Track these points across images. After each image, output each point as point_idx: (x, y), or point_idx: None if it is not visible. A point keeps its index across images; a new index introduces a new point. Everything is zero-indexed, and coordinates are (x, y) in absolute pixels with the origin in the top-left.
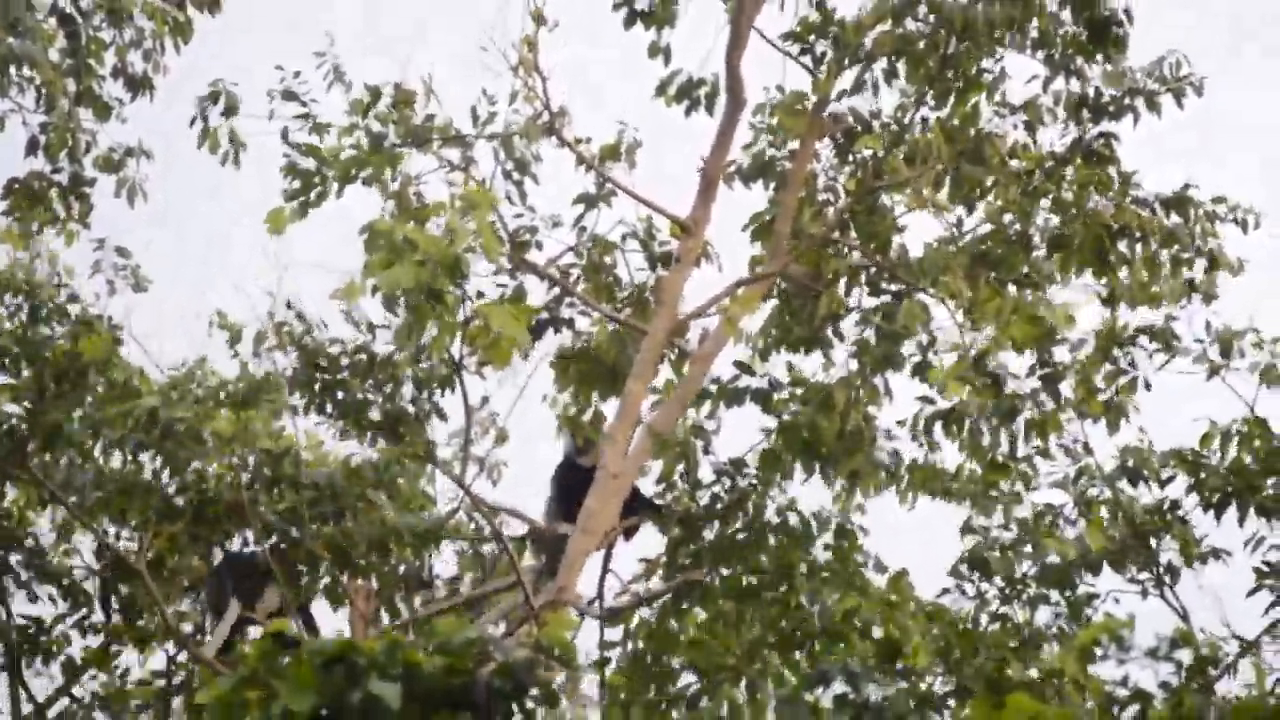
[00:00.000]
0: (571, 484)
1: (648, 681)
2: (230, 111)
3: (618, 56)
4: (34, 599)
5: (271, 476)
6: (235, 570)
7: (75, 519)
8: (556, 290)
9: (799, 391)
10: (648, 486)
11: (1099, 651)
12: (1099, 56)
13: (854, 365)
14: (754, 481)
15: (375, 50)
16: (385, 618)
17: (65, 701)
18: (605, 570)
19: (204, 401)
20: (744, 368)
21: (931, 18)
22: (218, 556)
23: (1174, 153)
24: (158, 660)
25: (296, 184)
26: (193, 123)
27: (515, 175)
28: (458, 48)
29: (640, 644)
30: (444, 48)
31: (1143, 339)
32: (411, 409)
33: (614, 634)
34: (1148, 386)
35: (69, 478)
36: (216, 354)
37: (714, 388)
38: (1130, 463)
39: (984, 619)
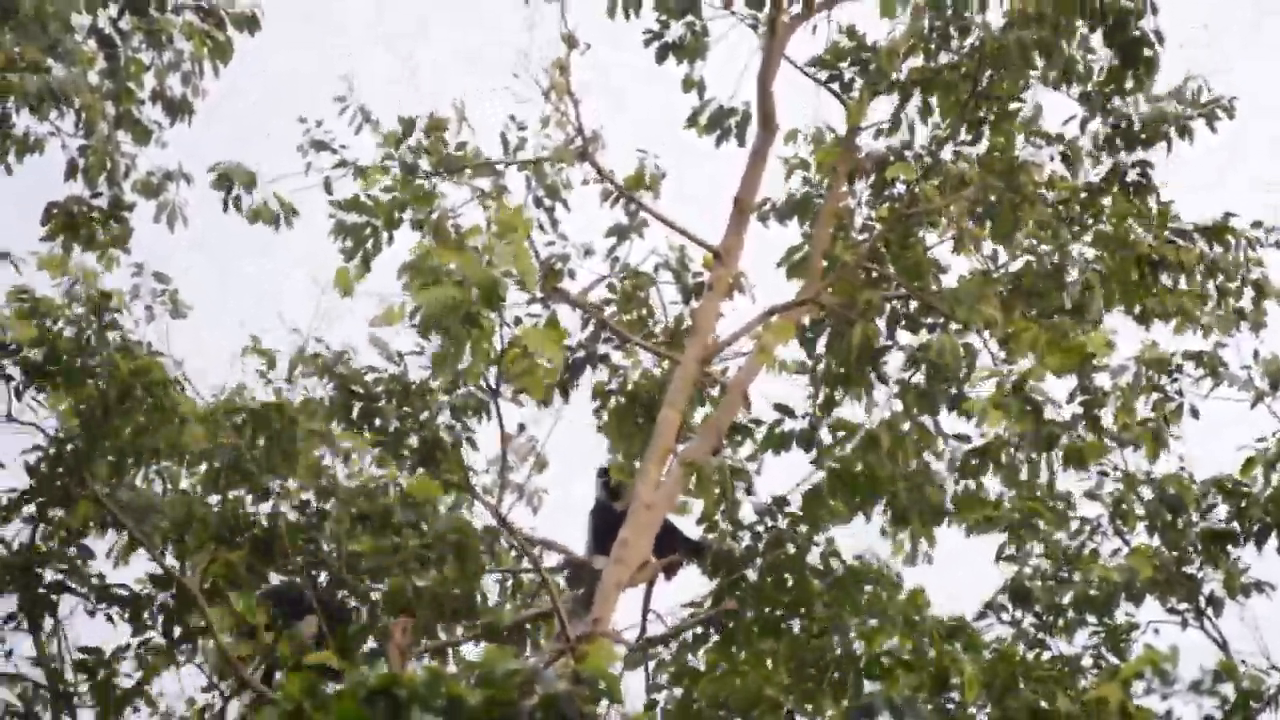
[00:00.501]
0: (608, 525)
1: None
2: (251, 185)
3: (640, 60)
4: (93, 614)
5: (357, 513)
6: (276, 598)
7: (133, 539)
8: (592, 325)
9: (841, 434)
10: (689, 525)
11: (1142, 684)
12: (1130, 83)
13: (898, 405)
14: (796, 523)
15: (382, 44)
16: (424, 644)
17: None
18: (646, 608)
19: (243, 431)
20: (785, 410)
21: (964, 45)
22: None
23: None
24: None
25: (349, 242)
26: (224, 207)
27: (547, 201)
28: (461, 43)
29: (673, 680)
30: (448, 44)
31: (1189, 365)
32: (447, 437)
33: (658, 675)
34: (1195, 414)
35: (132, 500)
36: (249, 380)
37: (757, 430)
38: (1171, 490)
39: (1021, 648)
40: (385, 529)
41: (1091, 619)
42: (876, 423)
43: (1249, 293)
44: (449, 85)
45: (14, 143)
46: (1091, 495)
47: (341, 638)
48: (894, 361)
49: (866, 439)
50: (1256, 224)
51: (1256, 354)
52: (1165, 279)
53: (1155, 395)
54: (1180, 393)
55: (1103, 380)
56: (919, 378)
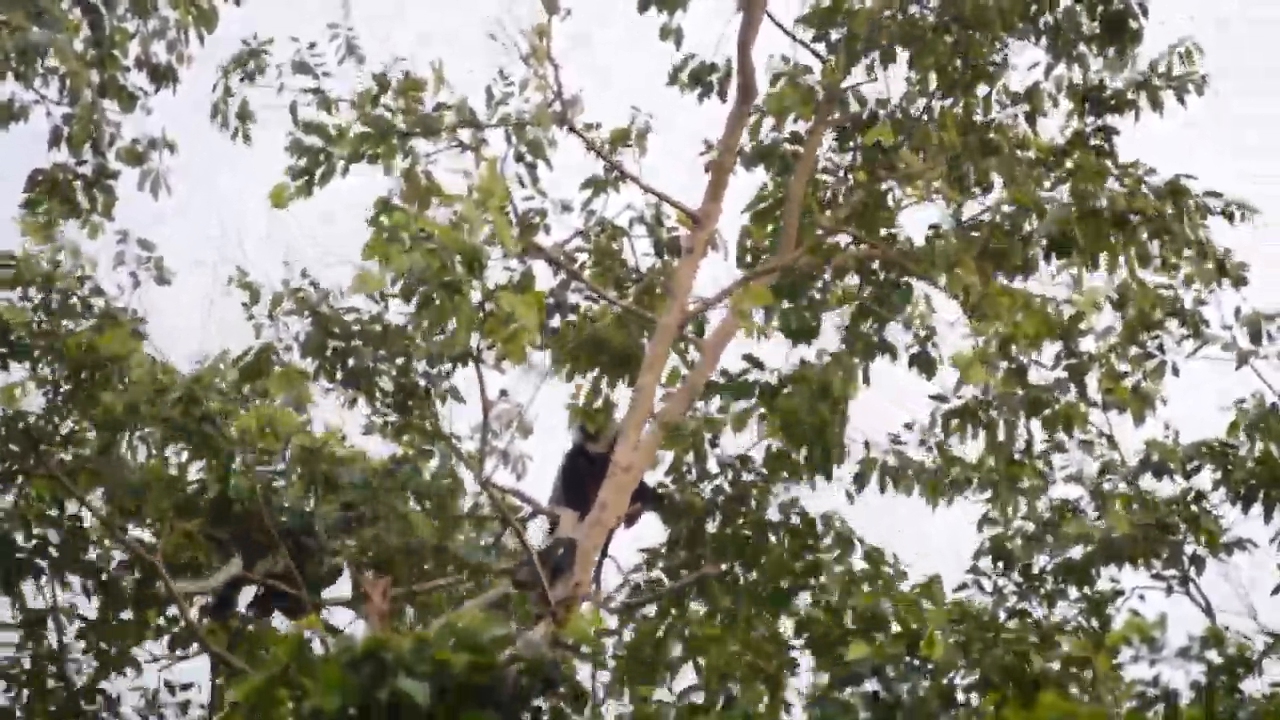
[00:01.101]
0: (580, 470)
1: (642, 674)
2: (250, 77)
3: (624, 33)
4: (64, 585)
5: (304, 475)
6: (242, 536)
7: (93, 515)
8: (563, 275)
9: (796, 383)
10: (652, 477)
11: (1129, 652)
12: (1112, 52)
13: (843, 349)
14: (758, 478)
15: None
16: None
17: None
18: (603, 556)
19: (228, 393)
20: (753, 360)
21: (939, 4)
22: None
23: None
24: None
25: (302, 161)
26: (214, 87)
27: (528, 158)
28: (439, 24)
29: (640, 636)
30: (425, 24)
31: (1171, 322)
32: (423, 383)
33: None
34: (1175, 372)
35: (92, 473)
36: (232, 338)
37: (722, 380)
38: (1155, 456)
39: (1002, 614)
40: (331, 488)
41: (1073, 590)
42: (825, 366)
43: (1189, 253)
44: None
45: None
46: (1073, 479)
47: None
48: (833, 316)
49: (819, 387)
50: (1212, 193)
51: (1238, 311)
52: (1131, 228)
53: (1136, 350)
54: (1161, 348)
55: (1088, 344)
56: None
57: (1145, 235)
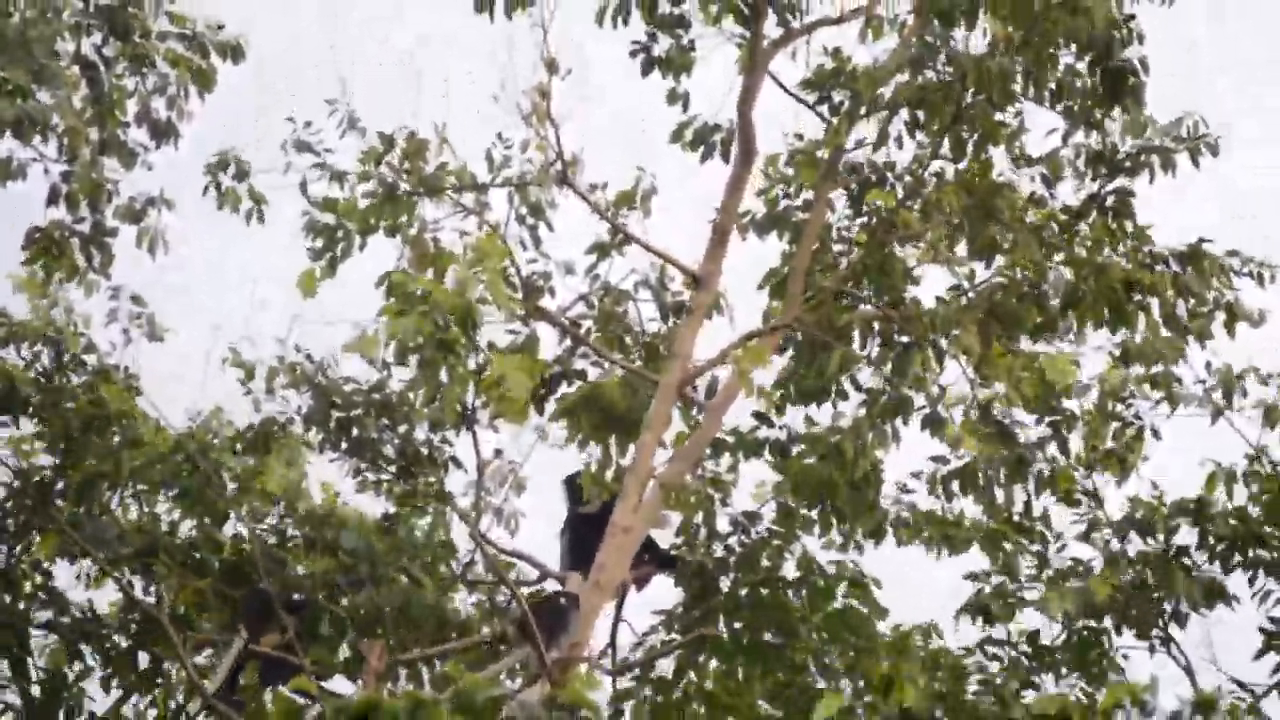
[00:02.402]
0: (580, 535)
1: None
2: (241, 176)
3: (620, 56)
4: (70, 650)
5: (309, 538)
6: (247, 601)
7: (102, 571)
8: (569, 342)
9: (811, 443)
10: (664, 538)
11: (1121, 715)
12: (1116, 111)
13: (862, 413)
14: (769, 536)
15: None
16: (402, 674)
17: None
18: (618, 620)
19: (221, 451)
20: (762, 418)
21: (948, 69)
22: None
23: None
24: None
25: (319, 242)
26: (205, 191)
27: (529, 220)
28: (438, 26)
29: (653, 696)
30: (424, 26)
31: (1144, 388)
32: (425, 450)
33: (628, 685)
34: (1156, 435)
35: (96, 530)
36: (230, 400)
37: (731, 439)
38: (1139, 514)
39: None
40: (333, 553)
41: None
42: (843, 431)
43: (1220, 316)
44: (426, 68)
45: None
46: (1085, 538)
47: (313, 644)
48: (864, 374)
49: (832, 449)
50: (1232, 252)
51: (1209, 365)
52: (1138, 298)
53: (1114, 425)
54: (1139, 416)
55: (1070, 403)
56: (885, 387)
57: (1169, 298)
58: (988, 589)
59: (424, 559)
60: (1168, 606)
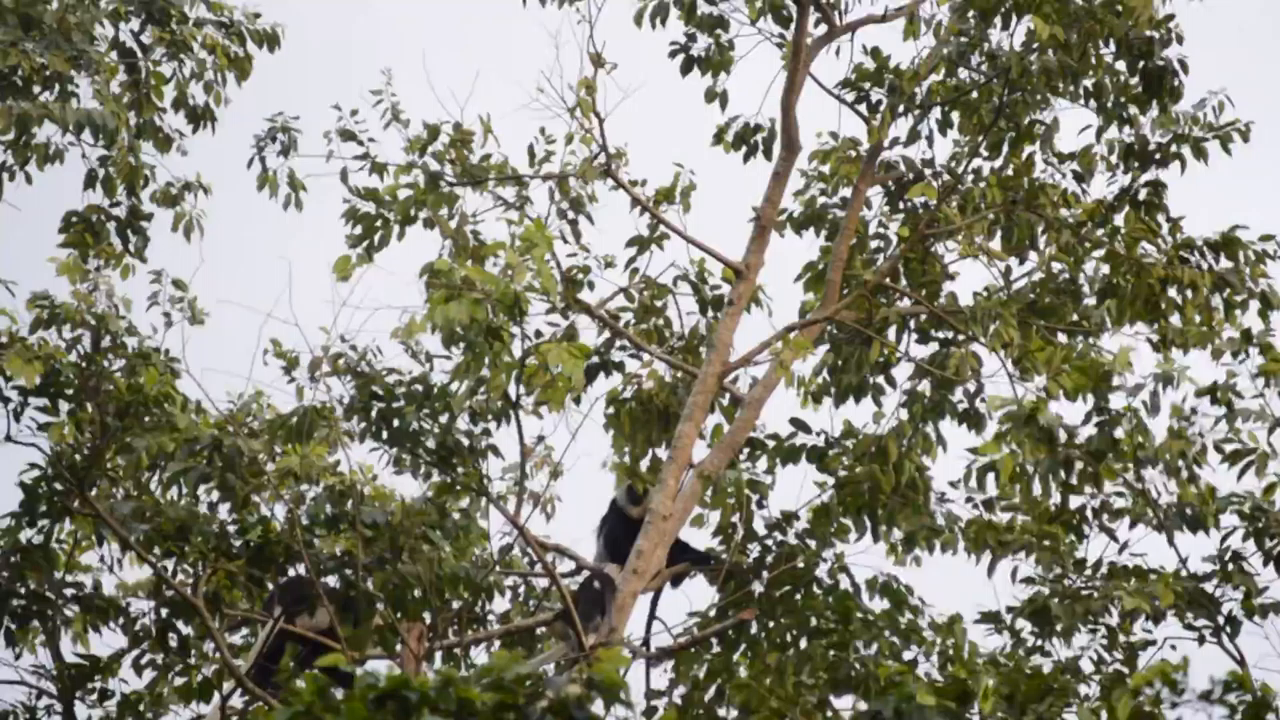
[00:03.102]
0: (618, 534)
1: None
2: (288, 149)
3: (667, 88)
4: (86, 630)
5: (333, 515)
6: (285, 587)
7: (135, 553)
8: (607, 333)
9: (851, 446)
10: (702, 537)
11: (1151, 694)
12: (1154, 110)
13: (904, 414)
14: (805, 538)
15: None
16: (439, 657)
17: None
18: (652, 616)
19: (260, 435)
20: (800, 425)
21: (985, 67)
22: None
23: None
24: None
25: (358, 230)
26: (250, 164)
27: (570, 214)
28: (507, 85)
29: (691, 695)
30: (495, 83)
31: (1204, 403)
32: (466, 441)
33: (661, 680)
34: (1219, 450)
35: (123, 512)
36: (272, 385)
37: (770, 443)
38: (1189, 511)
39: (1036, 659)
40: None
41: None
42: (885, 433)
43: (1254, 305)
44: (501, 124)
45: (35, 152)
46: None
47: (352, 631)
48: (902, 371)
49: (876, 451)
50: (1266, 237)
51: (1268, 379)
52: (1174, 293)
53: (1179, 440)
54: (1201, 435)
55: (1119, 401)
56: (925, 387)
57: (1205, 291)
58: (1045, 590)
59: (452, 536)
60: (1225, 607)
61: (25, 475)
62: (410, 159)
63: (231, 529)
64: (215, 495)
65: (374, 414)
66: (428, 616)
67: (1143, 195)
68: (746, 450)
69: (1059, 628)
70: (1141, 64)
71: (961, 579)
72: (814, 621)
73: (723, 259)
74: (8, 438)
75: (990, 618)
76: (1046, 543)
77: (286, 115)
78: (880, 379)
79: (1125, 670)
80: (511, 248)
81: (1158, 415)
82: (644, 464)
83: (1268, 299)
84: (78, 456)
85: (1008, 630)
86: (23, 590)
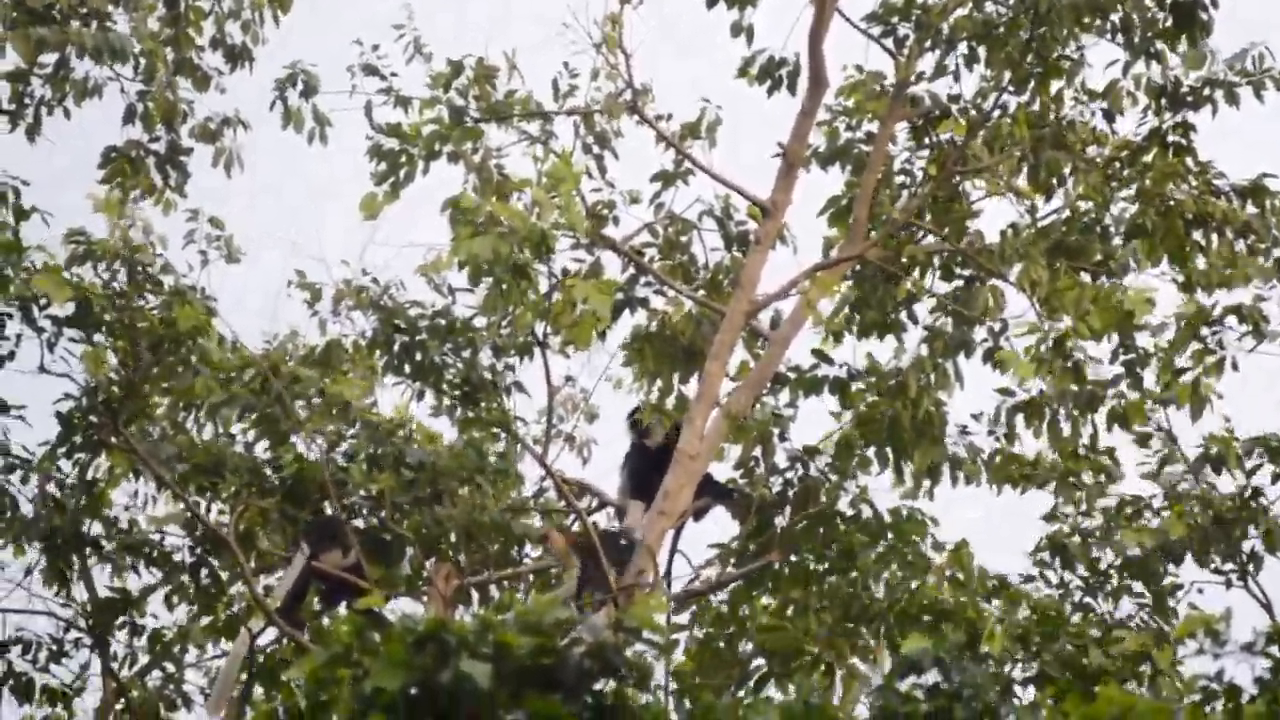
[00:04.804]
0: (645, 463)
1: (716, 667)
2: (309, 92)
3: (692, 23)
4: (117, 570)
5: (373, 454)
6: (314, 525)
7: (168, 489)
8: (632, 269)
9: (873, 380)
10: (724, 471)
11: (1193, 645)
12: (1183, 44)
13: (925, 350)
14: (826, 471)
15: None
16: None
17: (157, 675)
18: (674, 551)
19: (295, 369)
20: (822, 356)
21: (1013, 1)
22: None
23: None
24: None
25: (383, 166)
26: (272, 106)
27: (595, 149)
28: (533, 21)
29: (709, 629)
30: (521, 20)
31: (1231, 319)
32: (489, 376)
33: (680, 618)
34: (1235, 367)
35: (159, 448)
36: (300, 321)
37: (792, 375)
38: (1214, 450)
39: (1067, 609)
40: (399, 467)
41: (1138, 585)
42: (906, 368)
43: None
44: (528, 58)
45: (74, 87)
46: (1150, 477)
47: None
48: (924, 308)
49: (896, 386)
50: None
51: None
52: (1198, 235)
53: (1195, 346)
54: (1221, 344)
55: (1144, 340)
56: (947, 323)
57: (1230, 235)
58: (1065, 528)
59: (489, 478)
60: (1245, 545)
61: (60, 406)
62: (434, 94)
63: (266, 468)
64: (250, 434)
65: (396, 348)
66: (462, 558)
67: (1171, 138)
68: (769, 384)
69: (1111, 586)
70: None
71: (987, 517)
72: (832, 554)
73: (749, 196)
74: (41, 368)
75: (1039, 563)
76: (1071, 479)
77: (306, 60)
78: (903, 316)
79: (1166, 628)
80: (538, 184)
81: (1181, 351)
82: (669, 400)
83: None
84: (114, 389)
85: (1058, 587)
86: (61, 526)
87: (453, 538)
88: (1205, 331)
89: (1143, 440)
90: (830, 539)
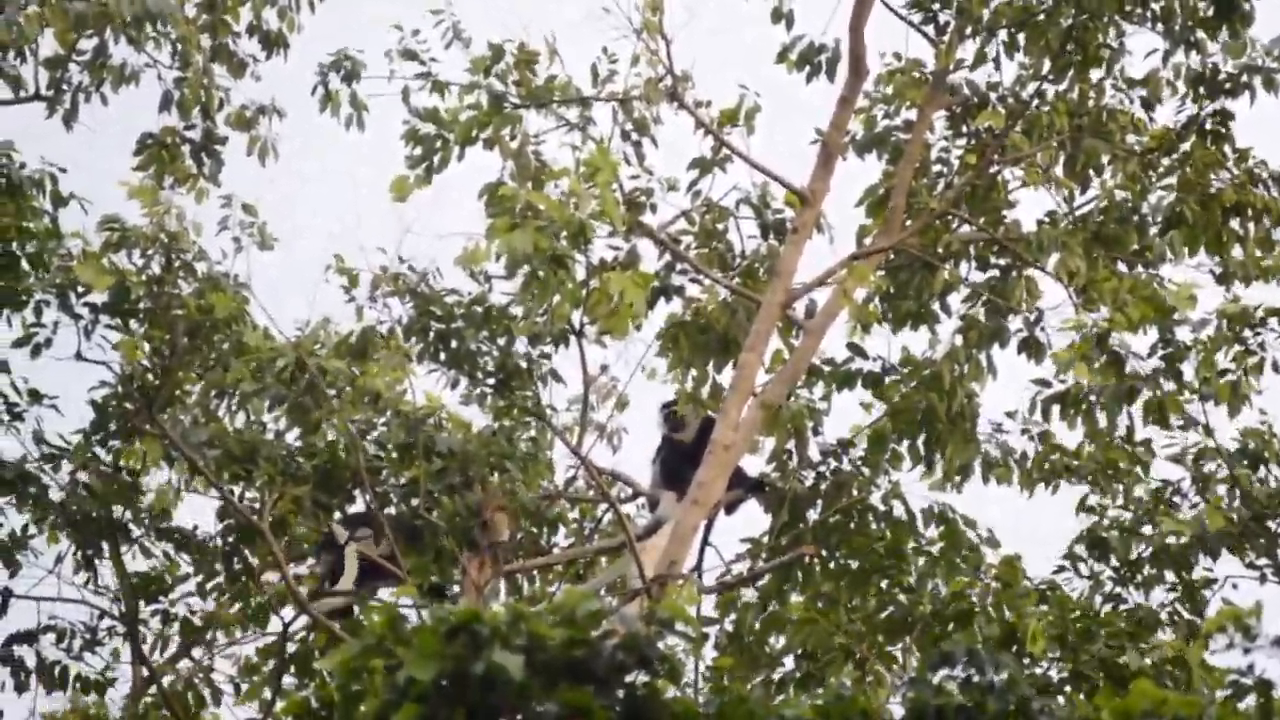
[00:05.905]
0: (673, 459)
1: (750, 661)
2: (351, 77)
3: (731, 10)
4: (148, 555)
5: (404, 442)
6: (352, 521)
7: (202, 476)
8: (669, 257)
9: (907, 370)
10: (755, 464)
11: (1224, 640)
12: (1224, 33)
13: (959, 340)
14: (859, 465)
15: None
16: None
17: (186, 663)
18: (705, 544)
19: (327, 358)
20: (857, 350)
21: None
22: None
23: None
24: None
25: (418, 150)
26: (314, 90)
27: (634, 136)
28: (571, 5)
29: (741, 623)
30: (559, 3)
31: (1274, 321)
32: (524, 364)
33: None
34: (1276, 369)
35: (192, 435)
36: (336, 310)
37: (826, 369)
38: (1251, 445)
39: (1098, 601)
40: (429, 455)
41: (1170, 575)
42: (940, 359)
43: None
44: (568, 48)
45: (110, 73)
46: (1175, 459)
47: (415, 560)
48: (958, 298)
49: (930, 377)
50: None
51: None
52: (1236, 224)
53: (1237, 348)
54: (1263, 346)
55: (1184, 334)
56: (980, 313)
57: (1268, 224)
58: (1104, 520)
59: (518, 463)
60: None
61: (95, 393)
62: (473, 79)
63: (299, 455)
64: (283, 422)
65: (432, 335)
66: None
67: (1209, 125)
68: (803, 377)
69: (1140, 577)
70: None
71: (1015, 512)
72: (868, 554)
73: (787, 184)
74: (78, 355)
75: (1070, 555)
76: (1110, 472)
77: (351, 46)
78: (936, 306)
79: (1198, 620)
80: (575, 173)
81: (1221, 351)
82: (704, 390)
83: None
84: (150, 376)
85: (1089, 578)
86: (95, 515)
87: (485, 523)
88: (1247, 333)
89: (1180, 430)
90: (863, 534)
